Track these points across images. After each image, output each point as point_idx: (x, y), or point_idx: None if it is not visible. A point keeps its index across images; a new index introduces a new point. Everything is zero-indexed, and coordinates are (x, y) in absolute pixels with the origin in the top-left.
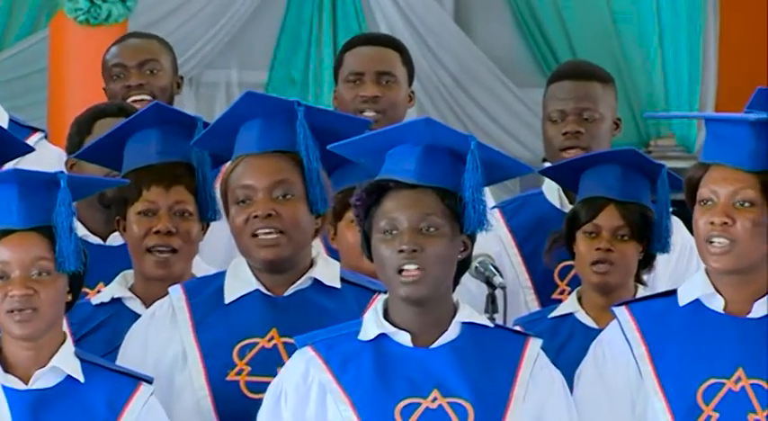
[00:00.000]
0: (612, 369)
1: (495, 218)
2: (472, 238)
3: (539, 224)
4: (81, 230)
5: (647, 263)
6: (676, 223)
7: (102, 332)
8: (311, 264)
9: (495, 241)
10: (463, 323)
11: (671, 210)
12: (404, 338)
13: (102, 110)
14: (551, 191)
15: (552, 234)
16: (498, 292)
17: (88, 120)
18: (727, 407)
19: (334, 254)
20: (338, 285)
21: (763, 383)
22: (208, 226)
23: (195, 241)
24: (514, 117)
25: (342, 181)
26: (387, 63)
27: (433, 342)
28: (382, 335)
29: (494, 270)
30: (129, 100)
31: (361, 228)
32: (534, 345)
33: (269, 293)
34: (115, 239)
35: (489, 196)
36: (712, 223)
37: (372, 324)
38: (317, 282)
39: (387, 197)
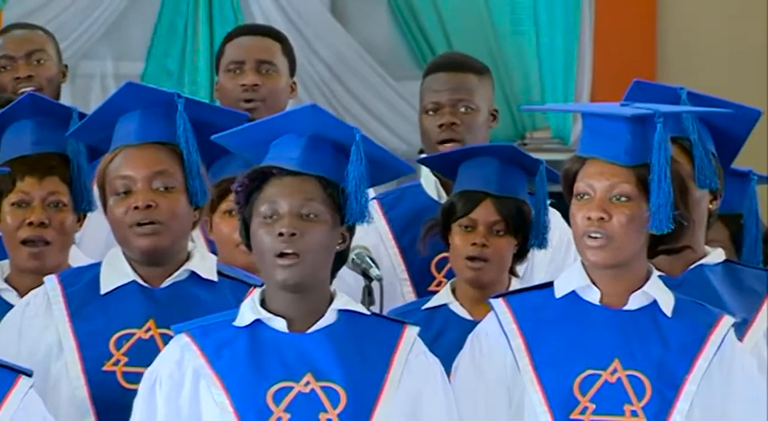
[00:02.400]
0: (489, 361)
1: (374, 209)
2: (351, 231)
3: (416, 216)
4: None
5: (521, 256)
6: (554, 215)
7: None
8: (188, 257)
9: (373, 233)
10: (340, 310)
11: (549, 202)
12: (279, 324)
13: None
14: (429, 183)
15: (427, 221)
16: (375, 284)
17: None
18: (603, 397)
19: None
20: (215, 278)
21: (638, 374)
22: (84, 217)
23: (70, 232)
24: (391, 109)
25: (216, 174)
26: (267, 52)
27: (309, 328)
28: (258, 322)
29: (370, 262)
30: (19, 91)
31: (240, 215)
32: (411, 333)
33: (146, 285)
34: None
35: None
36: (589, 218)
37: (249, 310)
38: (193, 274)
39: (269, 183)
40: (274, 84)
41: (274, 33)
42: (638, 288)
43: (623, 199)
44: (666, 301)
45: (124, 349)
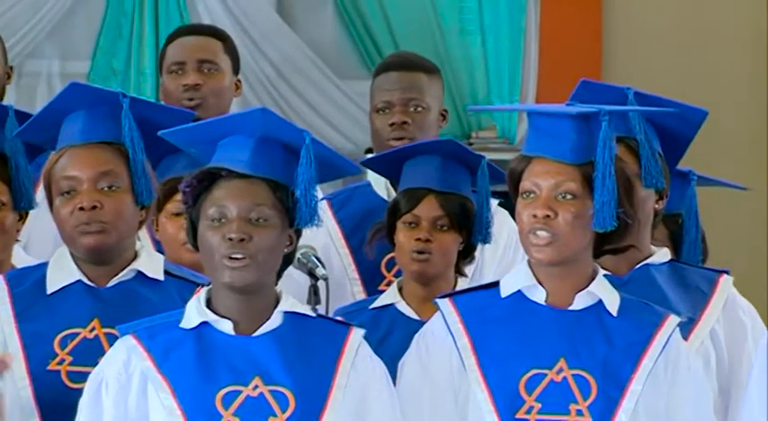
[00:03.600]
0: (435, 361)
1: (324, 209)
2: (298, 233)
3: (366, 216)
4: None
5: (467, 253)
6: (503, 214)
7: None
8: (135, 257)
9: (323, 233)
10: (286, 312)
11: (498, 201)
12: (226, 326)
13: None
14: (379, 182)
15: (374, 225)
16: (321, 284)
17: None
18: (549, 397)
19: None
20: (162, 277)
21: (584, 374)
22: (26, 215)
23: (10, 231)
24: (337, 109)
25: (163, 173)
26: (208, 51)
27: (256, 330)
28: (204, 324)
29: (316, 261)
30: None
31: (188, 216)
32: (356, 335)
33: (92, 284)
34: None
35: (318, 190)
36: (535, 216)
37: (195, 312)
38: (140, 274)
39: (217, 185)
40: (217, 83)
41: (215, 32)
42: (584, 288)
43: (569, 197)
44: (612, 301)
45: (69, 348)
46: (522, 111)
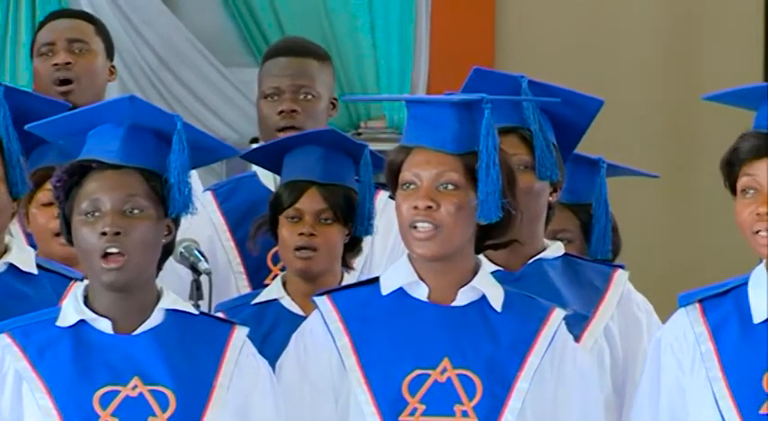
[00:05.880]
0: (314, 361)
1: (208, 201)
2: (177, 222)
3: (252, 207)
4: None
5: (354, 246)
6: (393, 206)
7: None
8: (6, 250)
9: (207, 225)
10: (167, 310)
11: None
12: (104, 325)
13: None
14: (265, 173)
15: (255, 220)
16: (204, 278)
17: None
18: (433, 398)
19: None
20: (35, 271)
21: (468, 373)
22: None
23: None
24: (221, 97)
25: (34, 163)
26: (77, 31)
27: (136, 329)
28: (82, 322)
29: (199, 255)
30: None
31: (61, 211)
32: (240, 334)
33: None
34: None
35: (197, 178)
36: (416, 207)
37: (72, 310)
38: (12, 267)
39: (89, 178)
40: (88, 62)
41: (86, 15)
42: (467, 283)
43: (450, 187)
44: (496, 296)
45: None
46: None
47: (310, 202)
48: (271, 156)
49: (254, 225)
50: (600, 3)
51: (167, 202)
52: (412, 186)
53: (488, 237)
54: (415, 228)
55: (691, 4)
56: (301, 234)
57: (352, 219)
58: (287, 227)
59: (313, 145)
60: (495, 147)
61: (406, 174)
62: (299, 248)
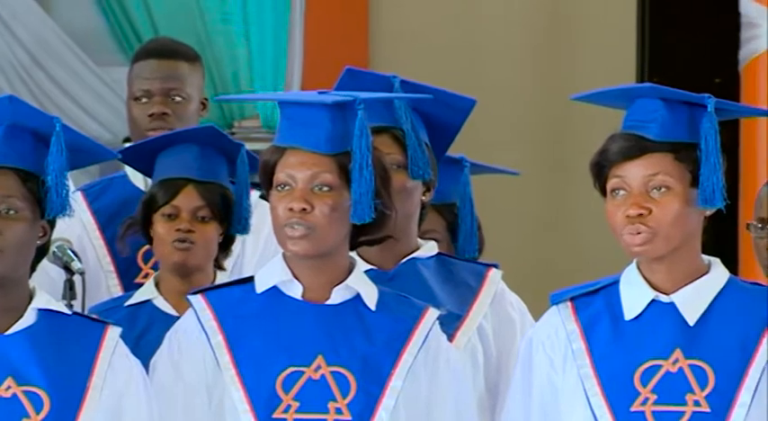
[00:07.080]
0: (188, 360)
1: (78, 201)
2: (52, 224)
3: (123, 207)
4: None
5: (226, 246)
6: (264, 206)
7: None
8: None
9: (77, 225)
10: (40, 310)
11: (260, 194)
12: None
13: None
14: (135, 173)
15: (126, 220)
16: (77, 278)
17: None
18: (306, 395)
19: None
20: None
21: (342, 371)
22: None
23: None
24: (94, 97)
25: None
26: None
27: (8, 329)
28: None
29: (72, 255)
30: None
31: None
32: (113, 334)
33: None
34: None
35: (70, 179)
36: (291, 209)
37: None
38: None
39: None
40: None
41: None
42: (341, 281)
43: (325, 189)
44: (370, 295)
45: None
46: (274, 101)
47: (187, 200)
48: (144, 155)
49: (124, 225)
50: (472, 3)
51: (44, 204)
52: (287, 187)
53: (363, 234)
54: (291, 227)
55: (564, 2)
56: (178, 230)
57: (228, 218)
58: (163, 224)
59: (190, 143)
60: (368, 147)
61: (280, 176)
62: (175, 242)
